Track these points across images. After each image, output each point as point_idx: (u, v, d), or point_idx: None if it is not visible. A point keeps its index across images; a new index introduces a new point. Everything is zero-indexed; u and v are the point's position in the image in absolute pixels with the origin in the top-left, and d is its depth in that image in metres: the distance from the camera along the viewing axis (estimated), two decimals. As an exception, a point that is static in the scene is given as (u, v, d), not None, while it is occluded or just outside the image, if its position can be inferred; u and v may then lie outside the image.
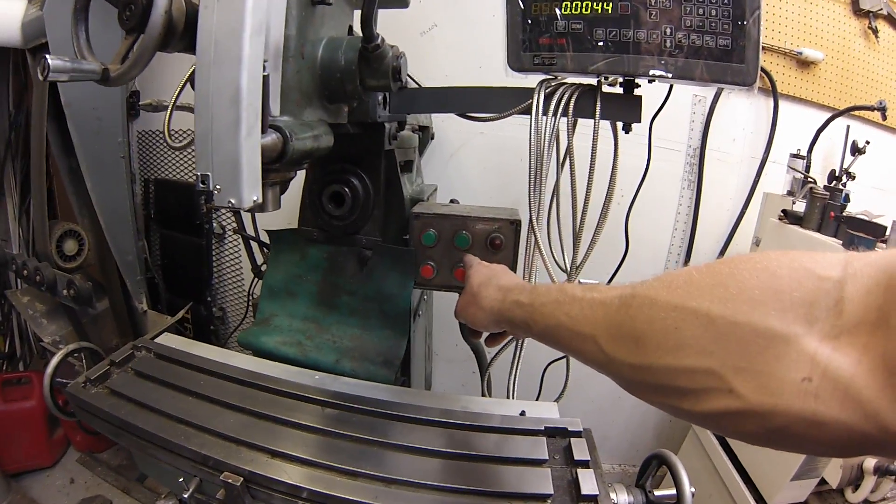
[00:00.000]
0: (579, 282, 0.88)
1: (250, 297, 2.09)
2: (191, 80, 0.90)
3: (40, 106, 1.88)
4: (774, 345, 0.38)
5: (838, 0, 2.28)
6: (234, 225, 2.01)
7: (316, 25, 0.87)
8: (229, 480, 0.74)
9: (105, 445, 2.34)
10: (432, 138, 1.98)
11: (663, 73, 0.94)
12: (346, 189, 1.12)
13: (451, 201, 1.32)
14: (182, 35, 0.69)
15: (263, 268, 1.72)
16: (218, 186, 0.65)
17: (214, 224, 2.26)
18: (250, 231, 1.54)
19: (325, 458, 0.77)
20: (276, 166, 0.72)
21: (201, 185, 0.65)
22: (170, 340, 1.12)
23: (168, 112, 1.05)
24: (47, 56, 0.62)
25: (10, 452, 2.20)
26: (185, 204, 2.28)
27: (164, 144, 2.29)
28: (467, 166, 2.16)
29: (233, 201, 0.65)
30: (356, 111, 1.00)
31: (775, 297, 0.39)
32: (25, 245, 2.46)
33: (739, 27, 0.91)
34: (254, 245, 1.57)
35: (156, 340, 1.12)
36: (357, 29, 0.90)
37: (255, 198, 0.67)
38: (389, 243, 1.16)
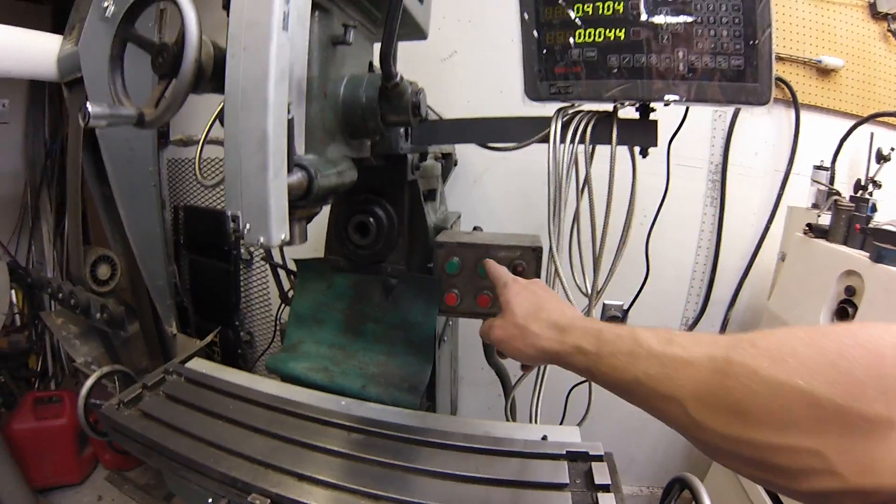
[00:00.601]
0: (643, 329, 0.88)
1: (277, 323, 2.16)
2: (219, 117, 0.96)
3: (76, 136, 1.99)
4: (879, 428, 0.39)
5: (855, 5, 2.26)
6: (262, 252, 2.07)
7: (337, 64, 0.91)
8: (257, 502, 0.77)
9: (133, 464, 2.41)
10: (455, 164, 2.02)
11: (677, 98, 0.96)
12: (371, 219, 1.16)
13: (475, 228, 1.35)
14: (211, 78, 0.75)
15: (290, 294, 1.77)
16: (248, 226, 0.69)
17: (242, 250, 2.34)
18: (277, 259, 1.59)
19: (350, 482, 0.80)
20: (302, 203, 0.76)
21: (232, 224, 0.69)
22: (200, 365, 1.17)
23: (198, 151, 1.10)
24: (88, 104, 0.67)
25: (39, 468, 2.29)
26: (214, 230, 2.37)
27: (193, 175, 2.39)
28: (491, 192, 2.21)
29: (262, 240, 0.69)
30: (379, 144, 1.04)
31: (881, 380, 0.40)
32: (60, 269, 2.57)
33: (751, 47, 0.93)
34: (281, 272, 1.62)
35: (186, 365, 1.16)
36: (377, 63, 0.94)
37: (283, 236, 0.71)
38: (414, 271, 1.20)
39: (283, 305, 1.83)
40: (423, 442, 0.91)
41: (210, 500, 0.85)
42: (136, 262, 2.01)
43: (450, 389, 1.63)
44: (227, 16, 0.79)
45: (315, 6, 0.79)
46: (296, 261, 1.31)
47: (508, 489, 0.82)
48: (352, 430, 0.94)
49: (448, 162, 1.85)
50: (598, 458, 0.88)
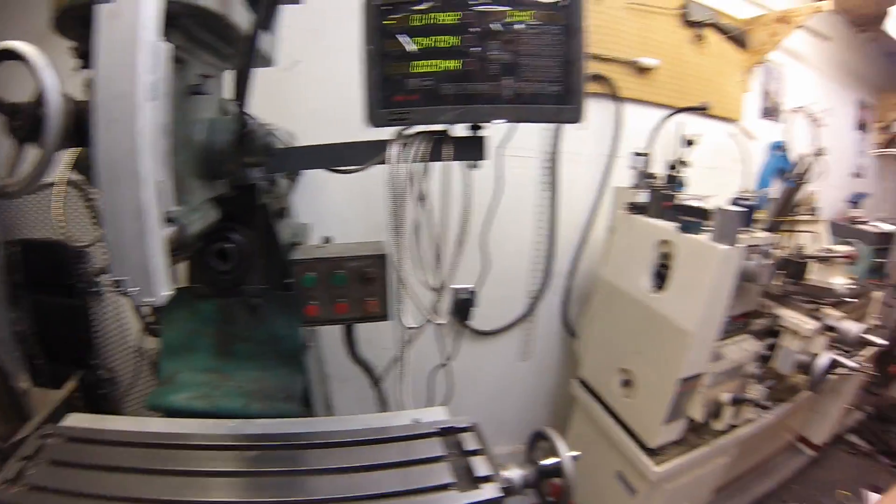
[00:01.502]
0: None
1: (139, 353, 2.13)
2: (77, 166, 1.01)
3: None
4: None
5: (670, 13, 2.76)
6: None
7: (194, 110, 1.01)
8: None
9: None
10: (301, 174, 2.11)
11: (505, 120, 1.17)
12: (230, 245, 1.27)
13: (325, 239, 1.51)
14: (72, 136, 0.80)
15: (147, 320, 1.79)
16: (134, 289, 0.78)
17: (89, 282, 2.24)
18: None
19: (259, 496, 0.91)
20: (176, 254, 0.86)
21: (118, 288, 0.78)
22: (78, 420, 1.13)
23: (55, 207, 1.11)
24: None
25: None
26: (56, 264, 2.24)
27: (29, 202, 2.24)
28: (335, 197, 2.35)
29: (150, 300, 0.78)
30: (232, 179, 1.16)
31: None
32: None
33: (568, 75, 1.14)
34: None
35: (62, 424, 1.12)
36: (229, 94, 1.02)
37: (167, 293, 0.81)
38: (275, 288, 1.33)
39: (143, 335, 1.84)
40: (312, 445, 1.04)
41: None
42: (-33, 313, 1.88)
43: (322, 390, 1.78)
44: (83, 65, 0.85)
45: (172, 59, 0.84)
46: (159, 293, 1.37)
47: (396, 470, 0.98)
48: (246, 448, 1.03)
49: (294, 174, 1.98)
50: (467, 429, 1.09)
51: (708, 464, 2.22)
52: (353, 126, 2.12)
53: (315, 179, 2.29)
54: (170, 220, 0.84)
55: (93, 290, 2.24)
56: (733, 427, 2.22)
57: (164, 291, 0.81)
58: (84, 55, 0.88)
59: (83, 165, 1.00)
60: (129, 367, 2.33)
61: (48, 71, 0.76)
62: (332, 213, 2.34)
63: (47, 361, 2.25)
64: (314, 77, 2.23)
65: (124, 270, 0.78)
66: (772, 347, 2.43)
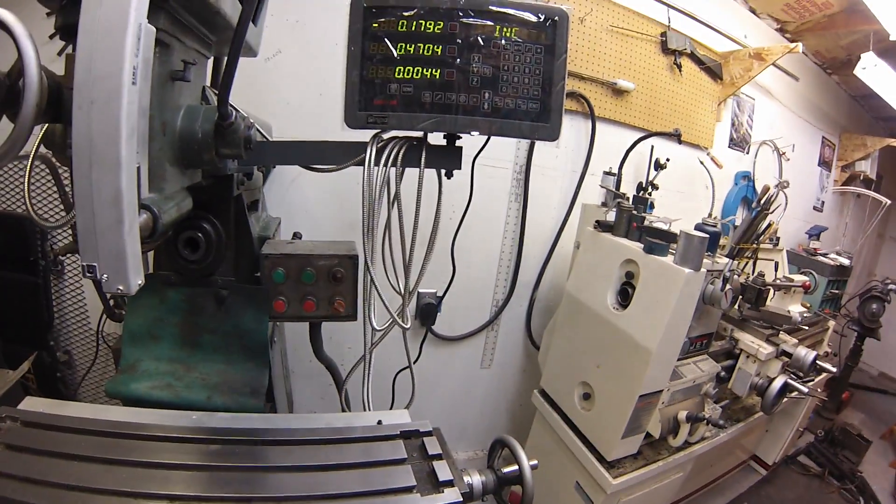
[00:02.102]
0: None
1: (100, 336, 2.08)
2: (43, 141, 0.99)
3: None
4: None
5: (650, 39, 2.84)
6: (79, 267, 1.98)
7: (174, 97, 0.99)
8: None
9: None
10: (273, 167, 2.11)
11: (480, 132, 1.18)
12: (200, 234, 1.25)
13: (295, 235, 1.51)
14: (46, 111, 0.76)
15: (111, 303, 1.76)
16: (105, 276, 0.75)
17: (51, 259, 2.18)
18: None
19: (219, 492, 0.89)
20: (147, 241, 0.84)
21: (88, 274, 0.75)
22: (35, 404, 1.10)
23: (26, 184, 1.07)
24: None
25: None
26: (15, 239, 2.16)
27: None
28: (306, 193, 2.34)
29: (121, 288, 0.76)
30: (208, 169, 1.15)
31: None
32: None
33: (547, 94, 1.16)
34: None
35: (20, 407, 1.09)
36: (209, 84, 1.01)
37: (139, 282, 0.78)
38: (243, 281, 1.33)
39: (105, 318, 1.80)
40: (276, 441, 1.04)
41: None
42: (-82, 287, 1.80)
43: (284, 385, 1.77)
44: (60, 37, 0.82)
45: (155, 42, 0.82)
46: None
47: (357, 471, 0.99)
48: (208, 441, 1.02)
49: (266, 167, 1.97)
50: (428, 434, 1.10)
51: (664, 478, 2.27)
52: (327, 122, 2.20)
53: (286, 174, 2.28)
54: (143, 206, 0.83)
55: (55, 268, 2.18)
56: (689, 444, 2.28)
57: (136, 280, 0.78)
58: (63, 27, 0.85)
59: (54, 141, 0.97)
60: (89, 352, 2.27)
61: (28, 42, 0.72)
62: (301, 210, 2.33)
63: (2, 340, 2.18)
64: (291, 71, 2.22)
65: (95, 256, 0.75)
66: (729, 369, 2.52)
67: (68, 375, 2.29)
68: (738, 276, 2.44)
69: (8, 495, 0.85)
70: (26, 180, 1.15)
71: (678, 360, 2.07)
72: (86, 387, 2.30)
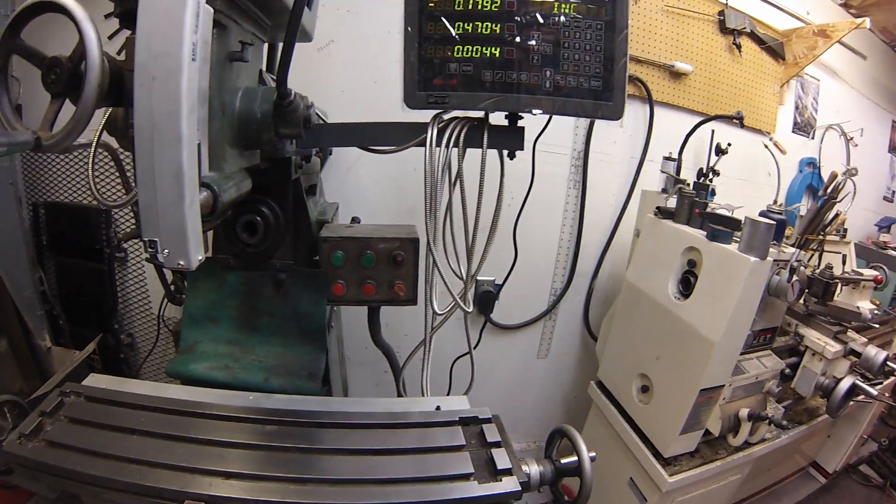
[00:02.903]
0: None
1: (161, 320, 2.13)
2: (106, 127, 0.99)
3: None
4: None
5: (708, 19, 2.69)
6: (146, 253, 2.03)
7: (233, 78, 0.98)
8: None
9: (24, 498, 2.24)
10: (330, 153, 2.12)
11: (542, 111, 1.14)
12: (259, 218, 1.25)
13: (353, 219, 1.48)
14: (108, 94, 0.77)
15: (173, 288, 1.79)
16: (166, 251, 0.75)
17: (115, 247, 2.26)
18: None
19: (275, 471, 0.89)
20: (207, 220, 0.83)
21: (150, 249, 0.75)
22: (97, 381, 1.14)
23: (90, 168, 1.09)
24: None
25: None
26: (82, 228, 2.25)
27: (55, 165, 2.25)
28: (364, 179, 2.33)
29: (182, 263, 0.75)
30: (267, 150, 1.13)
31: None
32: None
33: (609, 71, 1.12)
34: (166, 270, 1.64)
35: (83, 383, 1.13)
36: (266, 68, 1.00)
37: (200, 257, 0.77)
38: (301, 265, 1.31)
39: (166, 303, 1.84)
40: (333, 424, 1.03)
41: None
42: (-4, 271, 1.88)
43: (340, 371, 1.76)
44: (120, 24, 0.82)
45: (213, 23, 0.81)
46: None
47: (414, 456, 0.97)
48: (265, 422, 1.02)
49: (324, 152, 1.96)
50: (487, 421, 1.07)
51: (720, 479, 2.16)
52: (379, 109, 2.16)
53: (343, 160, 2.28)
54: (203, 184, 0.82)
55: (118, 255, 2.25)
56: (749, 444, 2.16)
57: (196, 256, 0.78)
58: (122, 14, 0.86)
59: (116, 126, 0.98)
60: (150, 335, 2.34)
61: (89, 25, 0.73)
62: (359, 196, 2.32)
63: (69, 322, 2.27)
64: (345, 59, 2.21)
65: (157, 231, 0.75)
66: (793, 367, 2.37)
67: (131, 357, 2.37)
68: (805, 267, 2.28)
69: (70, 466, 0.88)
70: (90, 165, 1.17)
71: (741, 354, 1.95)
72: (147, 367, 2.38)
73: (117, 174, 1.64)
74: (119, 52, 0.85)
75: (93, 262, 2.26)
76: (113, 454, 0.90)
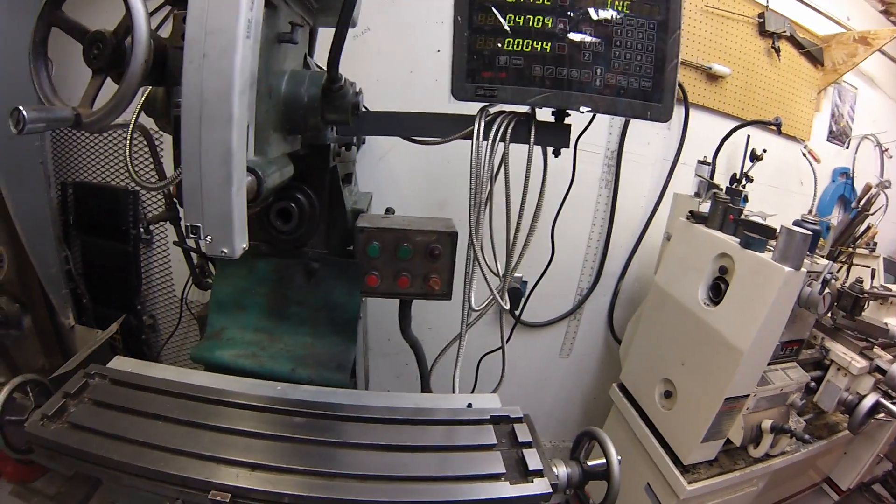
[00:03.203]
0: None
1: (184, 303, 2.13)
2: (144, 107, 0.98)
3: None
4: None
5: (747, 21, 2.62)
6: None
7: (279, 60, 0.96)
8: (218, 498, 0.80)
9: (37, 474, 2.25)
10: (363, 143, 2.10)
11: (592, 110, 1.12)
12: (293, 205, 1.22)
13: (388, 210, 1.46)
14: (151, 72, 0.74)
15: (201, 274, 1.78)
16: (209, 237, 0.72)
17: (141, 229, 2.26)
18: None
19: (302, 464, 0.87)
20: (250, 205, 0.79)
21: (191, 235, 0.72)
22: (122, 364, 1.12)
23: (127, 150, 1.07)
24: (22, 108, 0.65)
25: None
26: (109, 208, 2.26)
27: (85, 145, 2.25)
28: (397, 169, 2.31)
29: (225, 251, 0.72)
30: (310, 136, 1.11)
31: None
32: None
33: (660, 71, 1.10)
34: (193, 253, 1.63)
35: (109, 365, 1.11)
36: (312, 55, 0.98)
37: (244, 245, 0.74)
38: (335, 254, 1.29)
39: (189, 286, 1.83)
40: (363, 419, 1.01)
41: None
42: (22, 249, 1.88)
43: (363, 362, 1.74)
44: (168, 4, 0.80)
45: (265, 2, 0.79)
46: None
47: (447, 453, 0.95)
48: (293, 413, 1.00)
49: (357, 140, 1.94)
50: (518, 420, 1.05)
51: (737, 490, 2.12)
52: (416, 99, 2.12)
53: (374, 150, 2.26)
54: (249, 169, 0.79)
55: (144, 237, 2.25)
56: (768, 456, 2.11)
57: (241, 244, 0.74)
58: None
59: (155, 107, 0.96)
60: (172, 317, 2.35)
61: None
62: (390, 185, 2.31)
63: (92, 302, 2.28)
64: (380, 48, 2.19)
65: (200, 216, 0.72)
66: (817, 380, 2.32)
67: (152, 338, 2.38)
68: (836, 280, 2.23)
69: (93, 450, 0.87)
70: (128, 146, 1.15)
71: (767, 364, 1.91)
72: (168, 350, 2.39)
73: (149, 156, 1.65)
74: (157, 29, 0.83)
75: (118, 243, 2.27)
76: (137, 439, 0.89)
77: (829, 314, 2.37)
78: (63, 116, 0.72)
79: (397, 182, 2.31)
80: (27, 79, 0.79)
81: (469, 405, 1.10)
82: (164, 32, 0.85)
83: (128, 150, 1.15)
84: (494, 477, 0.90)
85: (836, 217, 3.08)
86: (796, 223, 2.09)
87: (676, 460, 1.99)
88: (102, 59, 0.74)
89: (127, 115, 1.07)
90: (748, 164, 2.43)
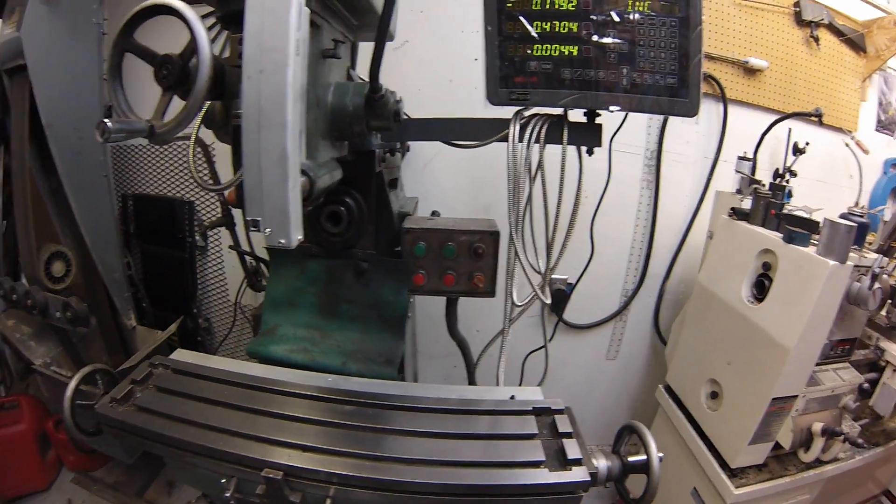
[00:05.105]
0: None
1: (237, 307, 2.24)
2: (204, 120, 1.06)
3: (21, 127, 1.95)
4: None
5: (782, 11, 2.57)
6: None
7: (325, 74, 1.04)
8: (271, 475, 0.87)
9: (98, 464, 2.40)
10: (408, 150, 2.16)
11: (620, 109, 1.16)
12: (343, 208, 1.29)
13: (433, 213, 1.52)
14: (212, 88, 0.84)
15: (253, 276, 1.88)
16: (268, 230, 0.81)
17: (197, 237, 2.40)
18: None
19: (351, 448, 0.93)
20: (303, 204, 0.88)
21: (252, 228, 0.81)
22: (183, 356, 1.23)
23: (191, 158, 1.17)
24: (106, 121, 0.77)
25: (4, 478, 2.26)
26: (166, 218, 2.41)
27: (141, 160, 2.41)
28: (441, 175, 2.37)
29: (282, 241, 0.81)
30: (356, 142, 1.18)
31: None
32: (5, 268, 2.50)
33: (684, 68, 1.13)
34: (247, 258, 1.72)
35: (171, 357, 1.23)
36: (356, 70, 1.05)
37: (300, 237, 0.83)
38: (383, 255, 1.35)
39: (243, 289, 1.93)
40: (410, 408, 1.06)
41: (223, 481, 0.94)
42: (89, 255, 2.02)
43: (412, 363, 1.80)
44: (221, 25, 0.89)
45: (310, 23, 0.88)
46: (269, 249, 1.42)
47: (490, 441, 1.00)
48: (343, 402, 1.06)
49: (402, 147, 2.01)
50: (560, 412, 1.09)
51: (788, 497, 2.05)
52: (457, 107, 2.19)
53: (419, 158, 2.33)
54: (301, 171, 0.87)
55: (199, 244, 2.38)
56: (821, 462, 2.04)
57: (297, 235, 0.83)
58: (224, 16, 0.95)
59: (213, 120, 1.06)
60: (226, 320, 2.47)
61: (200, 24, 0.80)
62: (437, 192, 2.37)
63: (151, 305, 2.42)
64: (419, 59, 2.26)
65: (260, 211, 0.82)
66: (872, 383, 2.23)
67: (207, 340, 2.51)
68: (888, 275, 2.15)
69: (158, 430, 0.96)
70: (191, 155, 1.26)
71: (816, 364, 1.86)
72: (222, 351, 2.51)
73: (205, 164, 1.76)
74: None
75: (175, 250, 2.42)
76: (197, 421, 0.98)
77: (883, 311, 2.28)
78: (139, 128, 0.83)
79: (442, 187, 2.38)
80: (88, 98, 0.90)
81: (512, 397, 1.15)
82: (217, 52, 0.94)
83: (191, 158, 1.25)
84: (535, 464, 0.94)
85: (889, 210, 2.96)
86: (842, 216, 2.04)
87: (724, 464, 1.95)
88: (171, 78, 0.84)
89: (187, 130, 1.17)
90: (791, 158, 2.38)
